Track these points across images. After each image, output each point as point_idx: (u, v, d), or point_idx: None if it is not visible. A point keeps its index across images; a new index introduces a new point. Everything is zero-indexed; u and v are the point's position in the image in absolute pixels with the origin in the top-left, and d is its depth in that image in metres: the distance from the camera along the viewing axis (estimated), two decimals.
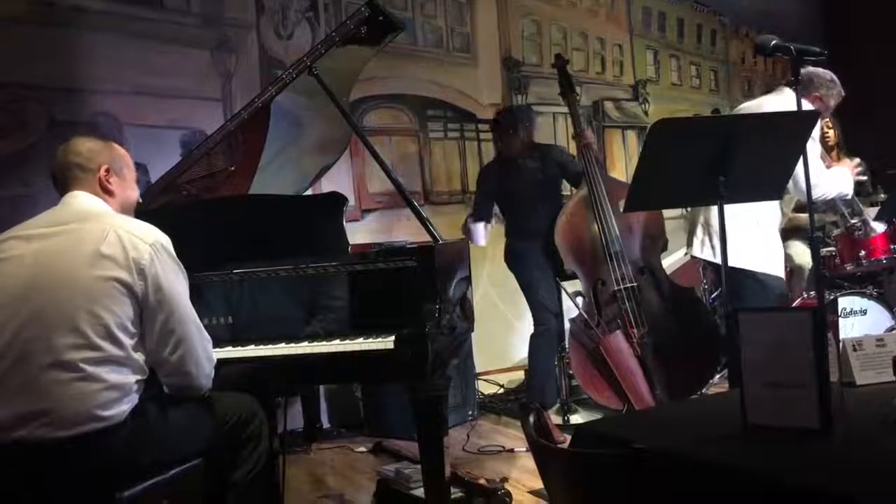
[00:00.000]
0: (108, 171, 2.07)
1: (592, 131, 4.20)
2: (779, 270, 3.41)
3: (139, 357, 1.92)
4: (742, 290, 3.21)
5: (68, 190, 2.04)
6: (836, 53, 2.91)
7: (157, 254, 1.93)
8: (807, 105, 3.17)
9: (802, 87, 3.27)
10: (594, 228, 3.84)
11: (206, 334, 2.06)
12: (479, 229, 4.16)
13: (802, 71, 3.29)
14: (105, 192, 2.06)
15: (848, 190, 3.48)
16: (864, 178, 4.11)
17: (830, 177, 3.37)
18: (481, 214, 4.17)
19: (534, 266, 4.06)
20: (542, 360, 4.11)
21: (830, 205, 3.90)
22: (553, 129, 5.64)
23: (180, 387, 2.03)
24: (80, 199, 2.02)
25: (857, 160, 4.17)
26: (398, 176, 2.95)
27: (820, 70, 3.31)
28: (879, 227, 3.93)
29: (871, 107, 5.64)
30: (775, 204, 3.36)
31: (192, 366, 2.00)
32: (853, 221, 3.99)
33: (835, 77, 3.37)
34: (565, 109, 4.30)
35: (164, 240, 1.98)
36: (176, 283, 1.97)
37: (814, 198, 3.04)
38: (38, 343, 1.80)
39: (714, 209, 3.24)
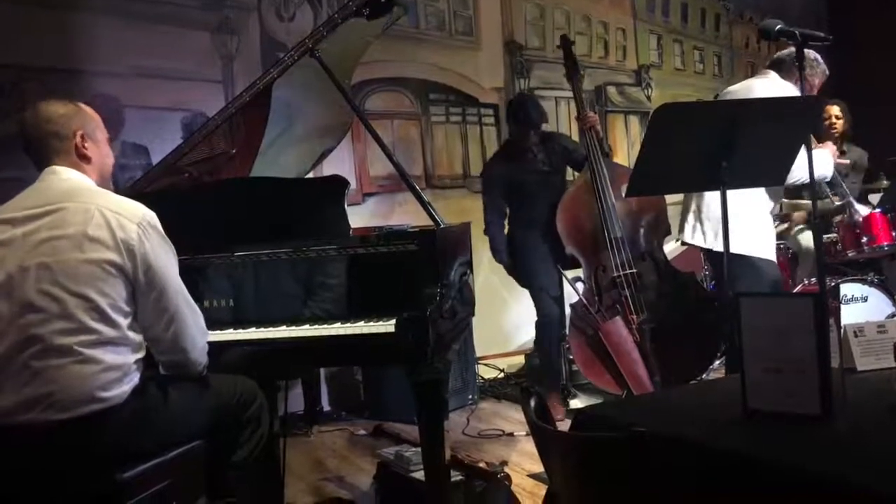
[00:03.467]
0: (83, 136, 2.01)
1: (595, 112, 4.16)
2: (771, 255, 3.41)
3: (135, 336, 1.92)
4: (737, 275, 3.20)
5: (46, 162, 1.99)
6: (838, 39, 2.88)
7: (145, 232, 1.91)
8: (792, 87, 3.14)
9: (786, 68, 3.24)
10: (595, 214, 3.83)
11: (196, 307, 2.05)
12: (505, 238, 4.14)
13: (785, 51, 3.27)
14: (82, 158, 2.01)
15: (827, 172, 3.45)
16: (845, 161, 4.10)
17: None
18: (501, 212, 4.10)
19: (534, 253, 4.06)
20: (551, 345, 4.12)
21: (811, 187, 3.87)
22: (555, 113, 5.62)
23: (177, 364, 2.03)
24: (61, 176, 1.98)
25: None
26: (399, 160, 2.94)
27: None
28: (864, 210, 3.92)
29: (874, 93, 5.63)
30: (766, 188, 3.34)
31: (186, 342, 2.00)
32: (837, 204, 3.98)
33: (818, 56, 3.31)
34: (568, 94, 4.27)
35: (151, 216, 1.96)
36: (165, 259, 1.96)
37: (793, 181, 3.03)
38: (31, 330, 1.79)
39: (706, 195, 3.26)
